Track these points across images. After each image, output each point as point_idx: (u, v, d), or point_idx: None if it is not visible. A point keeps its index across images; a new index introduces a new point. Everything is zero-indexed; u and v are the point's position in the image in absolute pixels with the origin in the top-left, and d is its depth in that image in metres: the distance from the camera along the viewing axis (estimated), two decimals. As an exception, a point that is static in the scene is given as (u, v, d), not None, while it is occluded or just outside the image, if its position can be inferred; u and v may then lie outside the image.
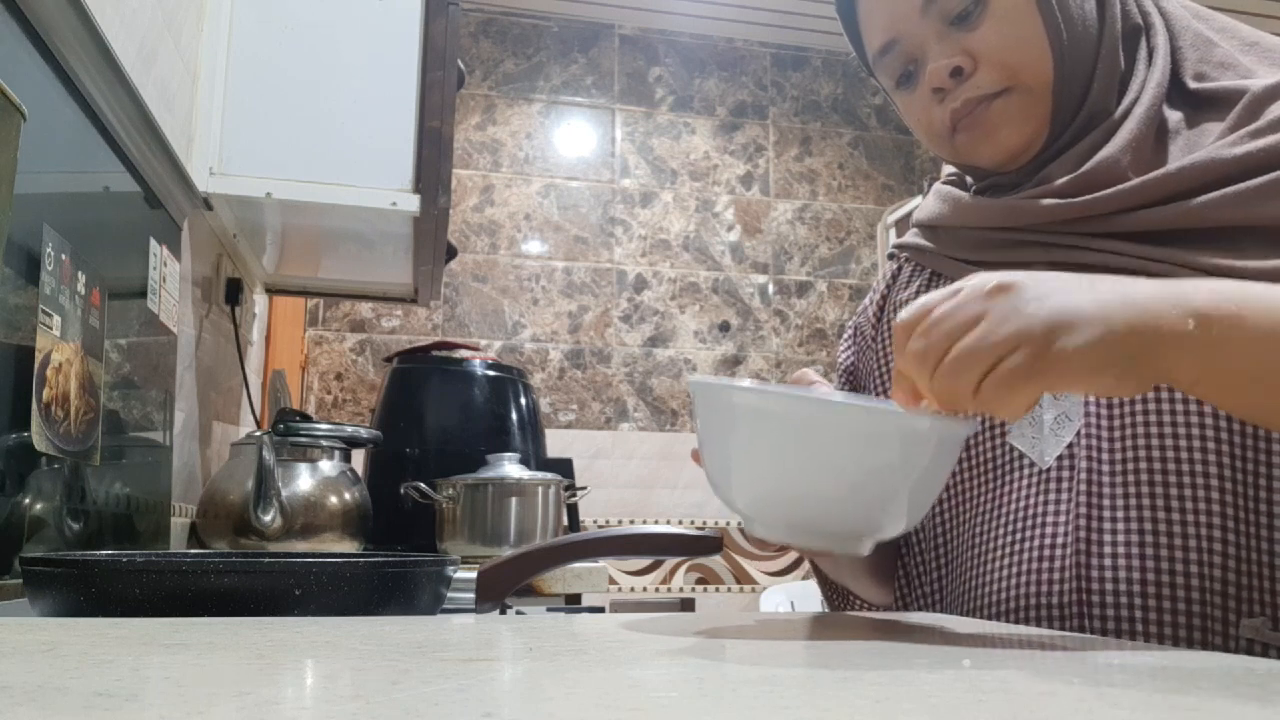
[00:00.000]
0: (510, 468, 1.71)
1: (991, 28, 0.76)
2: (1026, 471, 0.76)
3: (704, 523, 3.47)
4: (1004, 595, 0.74)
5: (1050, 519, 0.73)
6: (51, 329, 0.99)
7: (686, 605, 3.46)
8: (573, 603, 1.60)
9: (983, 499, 0.79)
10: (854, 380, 0.96)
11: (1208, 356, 0.55)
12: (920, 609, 0.86)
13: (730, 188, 3.86)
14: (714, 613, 3.17)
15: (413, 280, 2.11)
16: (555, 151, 3.73)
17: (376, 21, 1.64)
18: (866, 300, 0.97)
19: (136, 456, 1.34)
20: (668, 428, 3.65)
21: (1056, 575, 0.71)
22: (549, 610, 1.11)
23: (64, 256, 1.02)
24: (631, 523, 3.48)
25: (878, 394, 0.92)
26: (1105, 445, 0.72)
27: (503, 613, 0.82)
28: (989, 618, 0.75)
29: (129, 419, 1.30)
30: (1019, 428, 0.77)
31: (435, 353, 2.05)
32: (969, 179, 0.89)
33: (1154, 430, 0.70)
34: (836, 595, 0.95)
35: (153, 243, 1.38)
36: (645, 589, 3.56)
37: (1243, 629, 0.66)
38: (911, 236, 0.91)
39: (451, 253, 1.99)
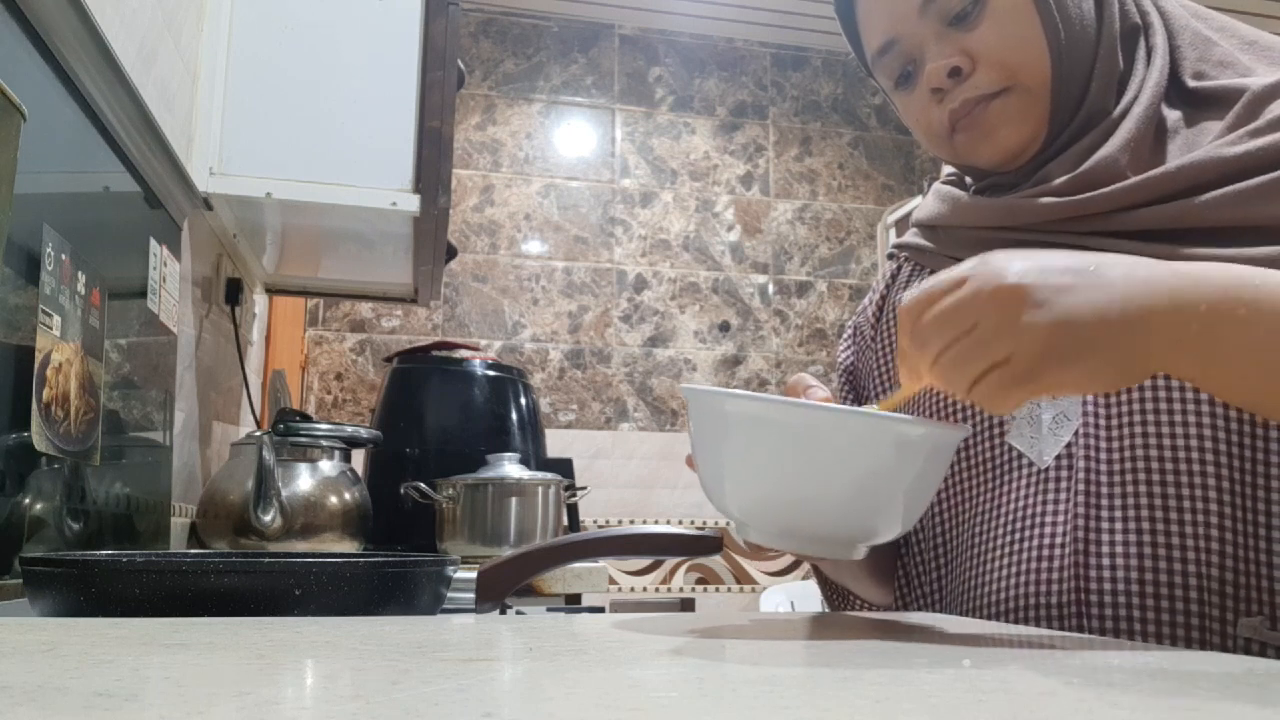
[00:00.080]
0: (510, 468, 1.71)
1: (990, 28, 0.76)
2: (1025, 471, 0.76)
3: (704, 523, 3.47)
4: (1003, 595, 0.74)
5: (1049, 519, 0.73)
6: (51, 329, 0.99)
7: (686, 605, 3.46)
8: (573, 603, 1.60)
9: (981, 499, 0.79)
10: (854, 380, 0.96)
11: (1211, 353, 0.55)
12: (920, 609, 0.86)
13: (730, 188, 3.86)
14: (714, 613, 3.17)
15: (413, 280, 2.11)
16: (555, 151, 3.73)
17: (376, 21, 1.64)
18: (866, 300, 0.97)
19: (136, 456, 1.34)
20: (668, 428, 3.65)
21: (1055, 575, 0.71)
22: (549, 610, 1.11)
23: (64, 256, 1.02)
24: (631, 523, 3.48)
25: (877, 393, 0.92)
26: (1103, 445, 0.72)
27: (503, 613, 0.82)
28: (988, 618, 0.75)
29: (129, 419, 1.30)
30: (1017, 428, 0.77)
31: (435, 353, 2.05)
32: (968, 179, 0.89)
33: (1152, 429, 0.70)
34: (836, 595, 0.96)
35: (153, 243, 1.38)
36: (645, 589, 3.56)
37: (1241, 628, 0.66)
38: (911, 236, 0.91)
39: (451, 253, 1.99)
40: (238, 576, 0.66)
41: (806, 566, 3.35)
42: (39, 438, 0.96)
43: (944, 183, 0.90)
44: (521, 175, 3.69)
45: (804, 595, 3.33)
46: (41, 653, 0.45)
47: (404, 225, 1.71)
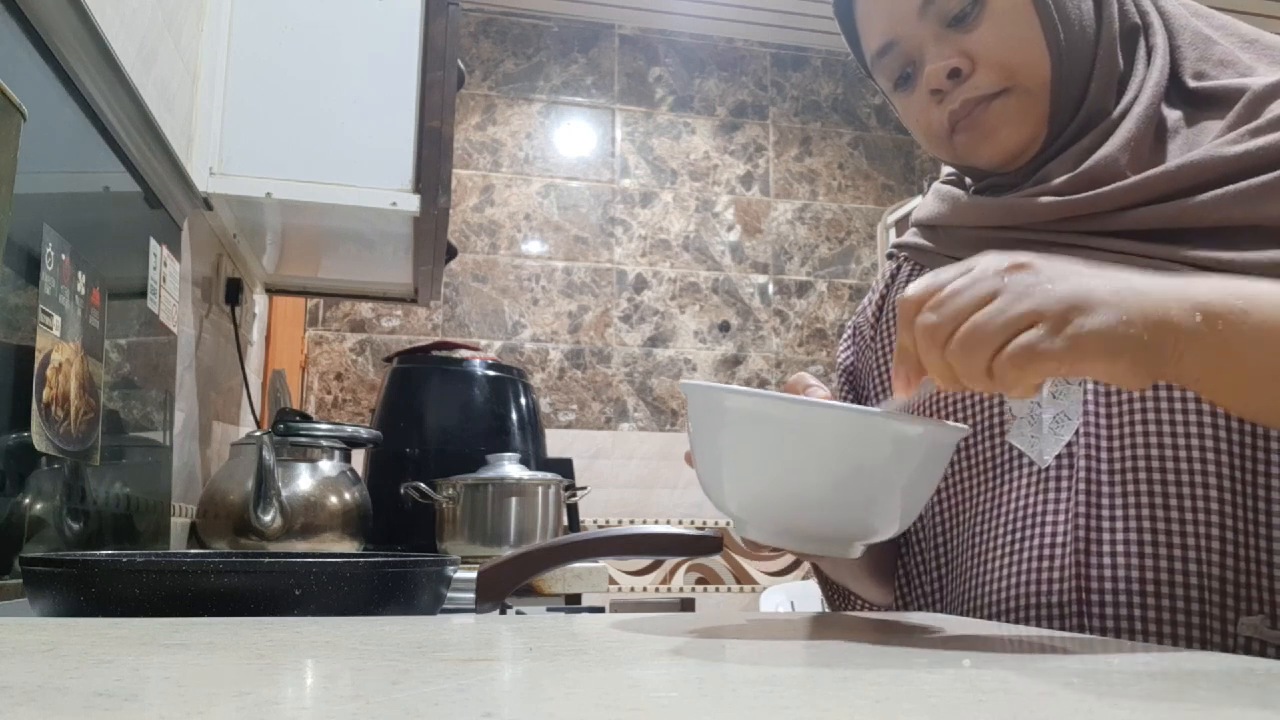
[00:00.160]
0: (510, 468, 1.71)
1: (989, 29, 0.76)
2: (1025, 471, 0.76)
3: (704, 523, 3.47)
4: (1003, 595, 0.74)
5: (1049, 518, 0.73)
6: (51, 329, 0.99)
7: (686, 605, 3.46)
8: (573, 603, 1.60)
9: (982, 498, 0.79)
10: (853, 380, 0.96)
11: (1213, 353, 0.54)
12: (920, 609, 0.86)
13: (730, 188, 3.86)
14: (714, 613, 3.17)
15: (413, 280, 2.11)
16: (555, 151, 3.73)
17: (376, 21, 1.64)
18: (866, 300, 0.97)
19: (136, 456, 1.34)
20: (668, 428, 3.65)
21: (1056, 575, 0.71)
22: (549, 610, 1.11)
23: (64, 256, 1.02)
24: (631, 523, 3.48)
25: (876, 393, 0.92)
26: (1104, 444, 0.72)
27: (503, 613, 0.82)
28: (989, 618, 0.75)
29: (129, 419, 1.30)
30: (1018, 427, 0.77)
31: (435, 353, 2.05)
32: (968, 179, 0.89)
33: (1153, 429, 0.70)
34: (837, 595, 0.96)
35: (153, 243, 1.38)
36: (645, 589, 3.56)
37: (1241, 627, 0.66)
38: (911, 236, 0.91)
39: (451, 253, 1.99)
40: (238, 576, 0.66)
41: (806, 566, 3.35)
42: (39, 438, 0.96)
43: (944, 183, 0.90)
44: (521, 175, 3.69)
45: (804, 595, 3.33)
46: (41, 653, 0.45)
47: (404, 225, 1.71)
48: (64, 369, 1.02)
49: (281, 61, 1.61)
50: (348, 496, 1.60)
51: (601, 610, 1.12)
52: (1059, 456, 0.74)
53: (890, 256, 0.96)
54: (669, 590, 3.58)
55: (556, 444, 2.48)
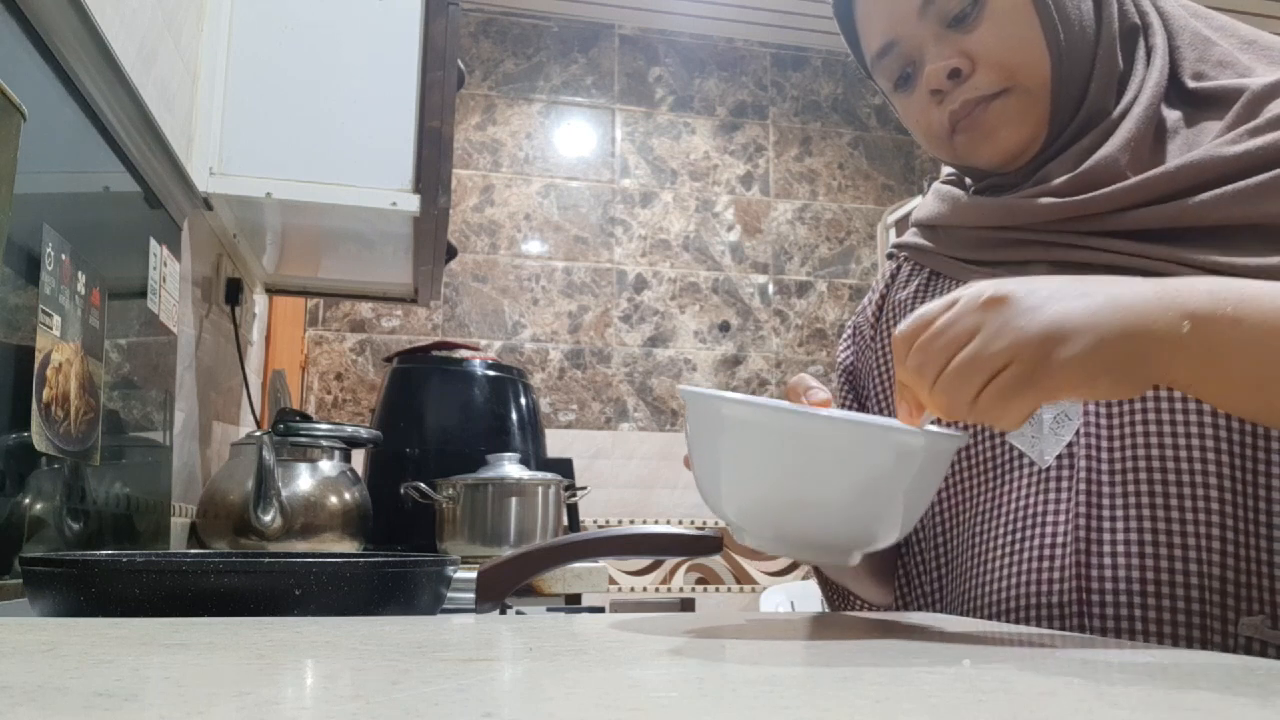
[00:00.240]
0: (510, 468, 1.71)
1: (989, 29, 0.76)
2: (1026, 471, 0.76)
3: (704, 523, 3.47)
4: (1004, 595, 0.74)
5: (1050, 518, 0.73)
6: (51, 329, 0.99)
7: (686, 605, 3.46)
8: (573, 603, 1.60)
9: (982, 499, 0.79)
10: (853, 380, 0.96)
11: (1204, 359, 0.55)
12: (920, 609, 0.86)
13: (730, 188, 3.86)
14: (714, 613, 3.17)
15: (413, 280, 2.11)
16: (555, 151, 3.73)
17: (376, 21, 1.64)
18: (866, 300, 0.97)
19: (136, 456, 1.34)
20: (668, 428, 3.65)
21: (1056, 575, 0.71)
22: (549, 610, 1.11)
23: (64, 256, 1.02)
24: (631, 523, 3.48)
25: (876, 393, 0.92)
26: (1104, 444, 0.72)
27: (503, 613, 0.82)
28: (989, 618, 0.75)
29: (129, 419, 1.30)
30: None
31: (435, 353, 2.05)
32: (968, 179, 0.89)
33: (1153, 429, 0.70)
34: (837, 596, 0.96)
35: (153, 243, 1.38)
36: (645, 589, 3.56)
37: (1242, 627, 0.66)
38: (910, 236, 0.91)
39: (451, 253, 1.99)
40: (238, 576, 0.66)
41: (806, 567, 3.35)
42: (39, 438, 0.96)
43: (944, 183, 0.90)
44: (521, 175, 3.69)
45: (804, 595, 3.33)
46: (41, 653, 0.45)
47: (404, 225, 1.71)
48: (64, 369, 1.02)
49: (281, 61, 1.61)
50: (348, 496, 1.60)
51: (601, 610, 1.12)
52: (1059, 457, 0.74)
53: (890, 256, 0.96)
54: (669, 590, 3.58)
55: (556, 444, 2.48)
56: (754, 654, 0.50)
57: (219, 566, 0.66)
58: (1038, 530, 0.73)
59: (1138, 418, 0.71)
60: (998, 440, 0.78)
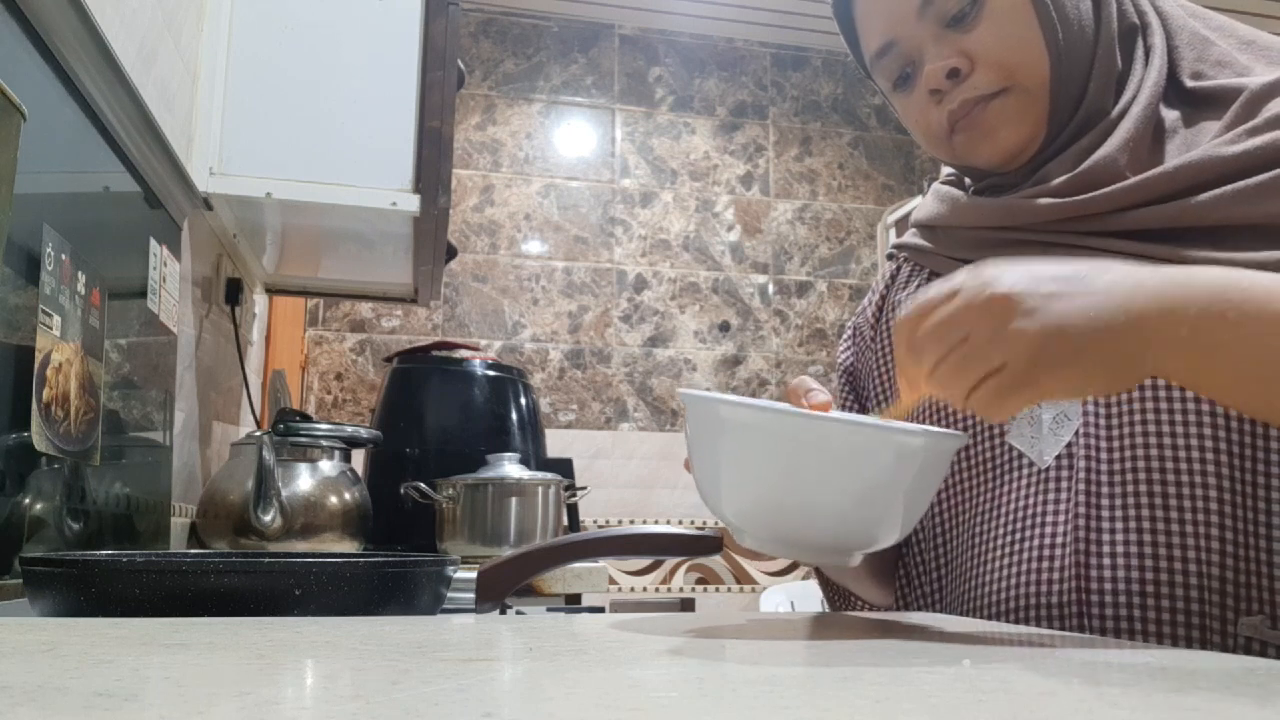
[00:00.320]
0: (510, 468, 1.71)
1: (988, 29, 0.76)
2: (1025, 471, 0.76)
3: (704, 523, 3.47)
4: (1003, 595, 0.74)
5: (1049, 518, 0.73)
6: (51, 329, 0.99)
7: (686, 605, 3.46)
8: (573, 603, 1.60)
9: (982, 499, 0.79)
10: (853, 380, 0.96)
11: (1199, 354, 0.55)
12: (920, 609, 0.86)
13: (730, 188, 3.86)
14: (714, 613, 3.17)
15: (413, 280, 2.11)
16: (555, 151, 3.73)
17: (376, 21, 1.64)
18: (866, 300, 0.97)
19: (136, 456, 1.34)
20: (668, 428, 3.65)
21: (1056, 575, 0.71)
22: (549, 610, 1.11)
23: (64, 256, 1.02)
24: (631, 523, 3.48)
25: (876, 394, 0.92)
26: (1104, 444, 0.72)
27: (503, 613, 0.82)
28: (989, 618, 0.75)
29: (129, 419, 1.30)
30: (1018, 427, 0.77)
31: (435, 353, 2.05)
32: (967, 179, 0.89)
33: (1152, 429, 0.70)
34: (837, 596, 0.96)
35: (153, 243, 1.38)
36: (645, 589, 3.56)
37: (1241, 627, 0.66)
38: (910, 236, 0.91)
39: (451, 253, 1.99)
40: (238, 576, 0.66)
41: (806, 567, 3.35)
42: (39, 438, 0.96)
43: (943, 183, 0.90)
44: (521, 175, 3.69)
45: (804, 595, 3.33)
46: (41, 653, 0.45)
47: (404, 225, 1.71)
48: (64, 369, 1.02)
49: (281, 61, 1.61)
50: (348, 496, 1.60)
51: (601, 610, 1.12)
52: (1059, 457, 0.74)
53: (890, 257, 0.96)
54: (669, 590, 3.58)
55: (556, 444, 2.48)
56: (754, 654, 0.50)
57: (219, 566, 0.66)
58: (1037, 530, 0.73)
59: (1137, 418, 0.71)
60: (997, 440, 0.78)
